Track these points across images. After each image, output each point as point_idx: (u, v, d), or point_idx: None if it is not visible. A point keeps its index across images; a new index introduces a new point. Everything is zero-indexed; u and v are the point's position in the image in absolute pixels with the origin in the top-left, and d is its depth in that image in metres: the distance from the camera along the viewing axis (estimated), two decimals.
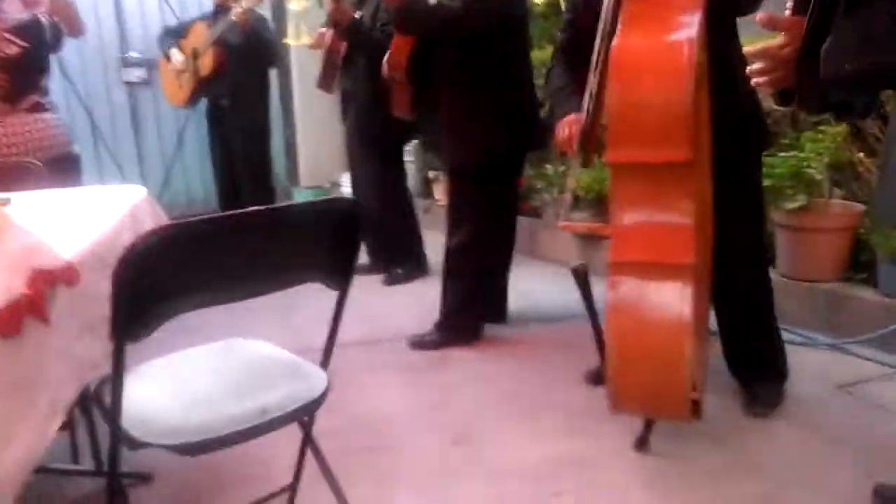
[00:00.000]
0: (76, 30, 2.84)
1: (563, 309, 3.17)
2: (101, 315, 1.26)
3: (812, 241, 2.77)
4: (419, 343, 2.85)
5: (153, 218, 2.22)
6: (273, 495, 1.69)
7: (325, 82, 3.45)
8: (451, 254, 2.84)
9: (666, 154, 1.71)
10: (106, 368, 1.33)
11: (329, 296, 1.48)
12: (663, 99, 1.69)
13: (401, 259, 3.70)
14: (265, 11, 4.52)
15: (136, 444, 1.22)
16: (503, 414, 2.29)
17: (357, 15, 3.29)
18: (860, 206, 2.78)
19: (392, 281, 3.67)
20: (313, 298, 1.59)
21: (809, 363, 2.51)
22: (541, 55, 4.23)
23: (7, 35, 2.58)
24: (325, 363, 1.52)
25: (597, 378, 2.35)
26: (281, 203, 1.29)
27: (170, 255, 1.11)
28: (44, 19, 2.70)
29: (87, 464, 2.00)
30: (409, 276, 3.68)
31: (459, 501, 1.83)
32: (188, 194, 5.51)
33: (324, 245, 1.33)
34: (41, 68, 2.75)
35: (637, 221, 1.79)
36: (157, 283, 1.12)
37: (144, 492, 1.89)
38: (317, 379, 1.44)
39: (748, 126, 2.06)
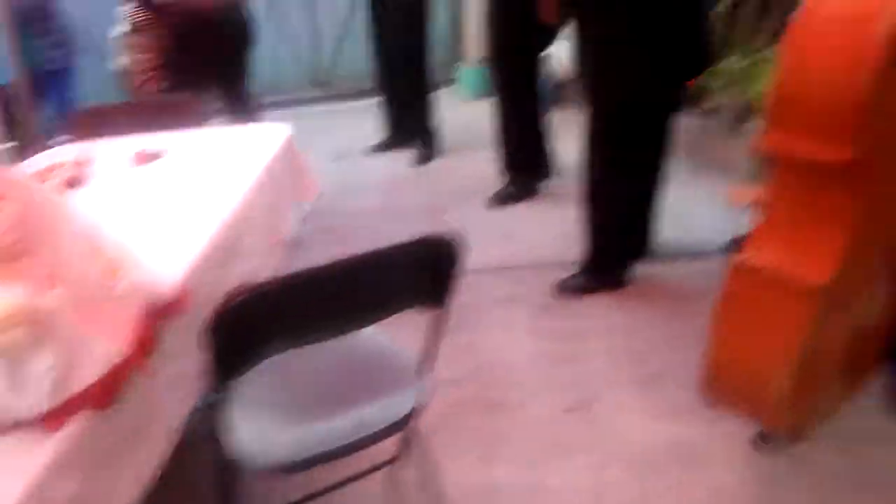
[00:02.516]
0: None
1: (720, 238, 2.89)
2: None
3: None
4: (564, 287, 2.77)
5: (293, 166, 2.31)
6: (376, 468, 1.80)
7: None
8: (586, 189, 2.66)
9: (822, 151, 1.45)
10: None
11: None
12: (834, 84, 1.42)
13: (526, 171, 3.60)
14: None
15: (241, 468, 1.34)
16: (627, 379, 2.24)
17: None
18: None
19: (498, 201, 3.59)
20: None
21: None
22: None
23: None
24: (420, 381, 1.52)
25: None
26: (372, 251, 1.27)
27: (260, 313, 1.16)
28: None
29: None
30: (519, 196, 3.57)
31: (555, 486, 1.86)
32: (364, 64, 5.58)
33: (418, 284, 1.32)
34: None
35: (780, 220, 1.59)
36: (250, 337, 1.18)
37: None
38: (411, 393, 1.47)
39: None
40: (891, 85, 1.37)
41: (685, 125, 3.70)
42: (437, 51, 5.47)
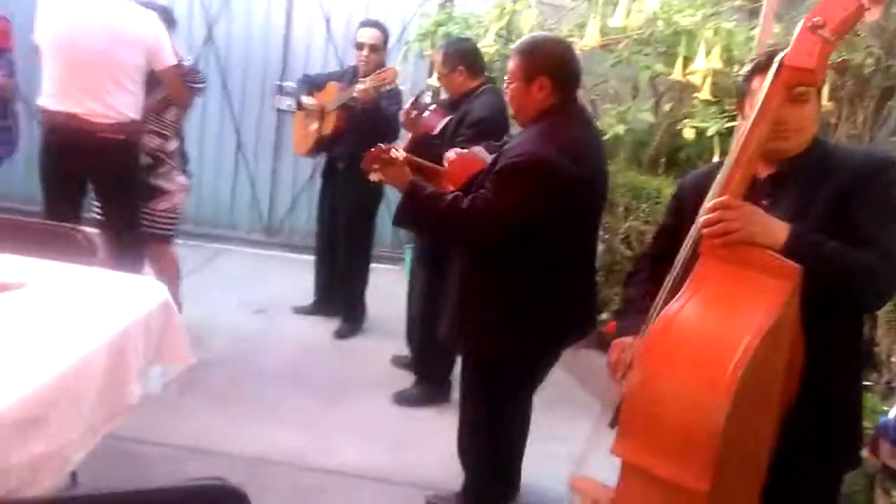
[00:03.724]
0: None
1: None
2: None
3: None
4: None
5: (163, 327, 2.12)
6: None
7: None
8: (460, 435, 2.52)
9: (677, 474, 1.32)
10: None
11: None
12: (690, 409, 1.31)
13: (432, 376, 3.41)
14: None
15: None
16: None
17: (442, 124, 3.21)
18: None
19: (403, 400, 3.38)
20: None
21: None
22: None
23: None
24: None
25: None
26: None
27: None
28: None
29: None
30: (421, 400, 3.38)
31: None
32: (310, 224, 5.54)
33: None
34: None
35: None
36: None
37: None
38: None
39: (832, 441, 1.61)
40: (742, 412, 1.27)
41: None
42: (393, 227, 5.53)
